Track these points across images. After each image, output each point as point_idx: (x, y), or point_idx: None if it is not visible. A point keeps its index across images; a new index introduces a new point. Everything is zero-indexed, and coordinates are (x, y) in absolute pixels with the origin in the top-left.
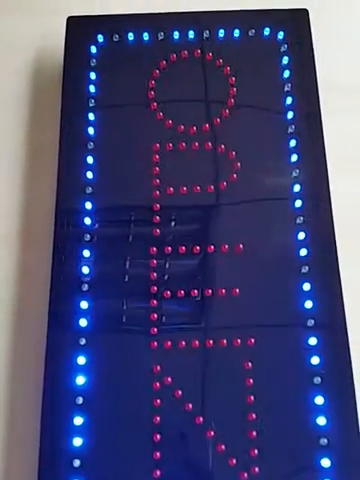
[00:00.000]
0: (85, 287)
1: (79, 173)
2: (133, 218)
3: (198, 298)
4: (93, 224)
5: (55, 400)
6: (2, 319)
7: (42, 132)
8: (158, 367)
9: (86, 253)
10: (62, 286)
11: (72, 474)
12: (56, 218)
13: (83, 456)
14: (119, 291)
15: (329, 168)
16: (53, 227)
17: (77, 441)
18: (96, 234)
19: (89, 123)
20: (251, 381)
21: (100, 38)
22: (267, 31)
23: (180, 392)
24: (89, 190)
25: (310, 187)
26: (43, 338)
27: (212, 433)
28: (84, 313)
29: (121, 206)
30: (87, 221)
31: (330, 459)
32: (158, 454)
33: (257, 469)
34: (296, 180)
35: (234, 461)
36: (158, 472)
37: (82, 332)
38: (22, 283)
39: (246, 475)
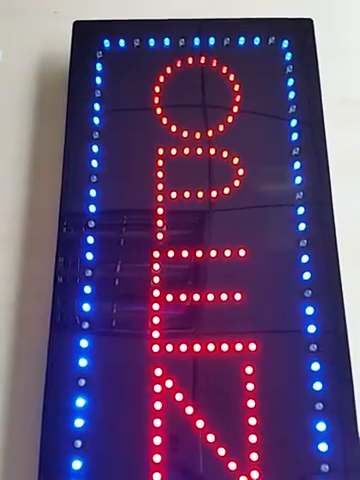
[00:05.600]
0: (88, 289)
1: (83, 176)
2: (136, 222)
3: (200, 303)
4: (96, 227)
5: (56, 403)
6: (5, 320)
7: (47, 135)
8: (159, 370)
9: (89, 256)
10: (65, 289)
11: (72, 477)
12: (60, 220)
13: (83, 458)
14: (121, 295)
15: (332, 176)
16: (56, 229)
17: (77, 443)
18: (99, 237)
19: (94, 127)
20: (252, 386)
21: (106, 43)
22: (272, 39)
23: (181, 396)
24: (93, 193)
25: (312, 194)
26: (45, 340)
27: (213, 437)
28: (86, 315)
29: (125, 210)
30: (91, 224)
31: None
32: (158, 457)
33: (256, 473)
34: (299, 187)
35: (234, 465)
36: (158, 475)
37: (84, 334)
38: (24, 285)
39: (246, 479)
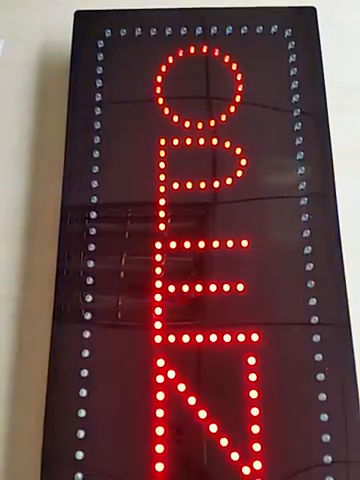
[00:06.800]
0: (90, 281)
1: (85, 168)
2: (138, 213)
3: (202, 293)
4: (98, 219)
5: (58, 394)
6: (7, 313)
7: (48, 126)
8: (162, 361)
9: (91, 247)
10: (67, 280)
11: (75, 467)
12: (62, 212)
13: (86, 449)
14: (123, 285)
15: (335, 166)
16: (58, 222)
17: (80, 433)
18: (101, 229)
19: (95, 117)
20: (254, 377)
21: (107, 33)
22: (275, 28)
23: (183, 386)
24: (95, 184)
25: (316, 185)
26: (47, 333)
27: (215, 427)
28: (88, 307)
29: (126, 201)
30: (92, 215)
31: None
32: (161, 448)
33: (259, 464)
34: (302, 178)
35: (236, 455)
36: (161, 465)
37: (86, 325)
38: (27, 279)
39: (248, 470)
